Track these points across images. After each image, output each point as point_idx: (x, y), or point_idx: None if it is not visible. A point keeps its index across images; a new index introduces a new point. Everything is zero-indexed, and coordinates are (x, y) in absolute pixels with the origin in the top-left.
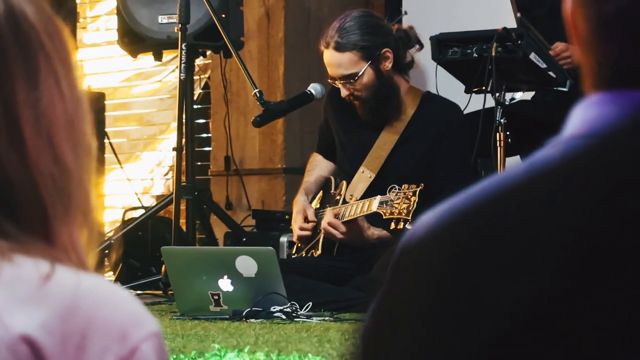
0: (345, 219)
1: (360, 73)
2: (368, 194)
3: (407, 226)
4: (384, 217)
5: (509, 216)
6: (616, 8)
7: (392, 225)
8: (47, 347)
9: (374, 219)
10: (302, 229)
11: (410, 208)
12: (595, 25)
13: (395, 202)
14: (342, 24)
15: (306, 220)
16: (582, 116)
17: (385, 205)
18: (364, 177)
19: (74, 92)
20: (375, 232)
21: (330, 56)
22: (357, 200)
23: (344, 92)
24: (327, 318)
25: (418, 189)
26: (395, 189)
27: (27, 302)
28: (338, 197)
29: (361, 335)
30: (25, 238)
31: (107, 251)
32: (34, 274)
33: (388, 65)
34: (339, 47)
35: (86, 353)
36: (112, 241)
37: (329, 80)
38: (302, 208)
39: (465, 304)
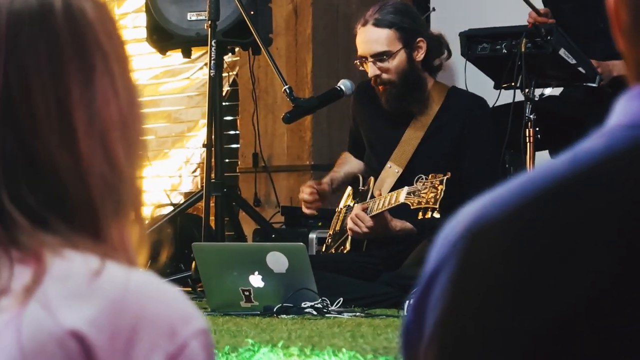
0: (373, 213)
1: (394, 52)
2: (396, 189)
3: (435, 215)
4: (412, 207)
5: (567, 205)
6: None
7: (420, 215)
8: (97, 343)
9: (403, 210)
10: (304, 192)
11: (438, 197)
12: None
13: (422, 191)
14: (382, 5)
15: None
16: (627, 108)
17: (413, 196)
18: (391, 172)
19: (129, 93)
20: (398, 223)
21: (367, 31)
22: (384, 195)
23: (372, 71)
24: (358, 314)
25: (445, 178)
26: (423, 179)
27: (77, 297)
28: (367, 194)
29: (434, 321)
30: (75, 235)
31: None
32: (84, 270)
33: (420, 55)
34: (378, 23)
35: (135, 349)
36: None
37: (357, 62)
38: (317, 181)
39: (533, 287)
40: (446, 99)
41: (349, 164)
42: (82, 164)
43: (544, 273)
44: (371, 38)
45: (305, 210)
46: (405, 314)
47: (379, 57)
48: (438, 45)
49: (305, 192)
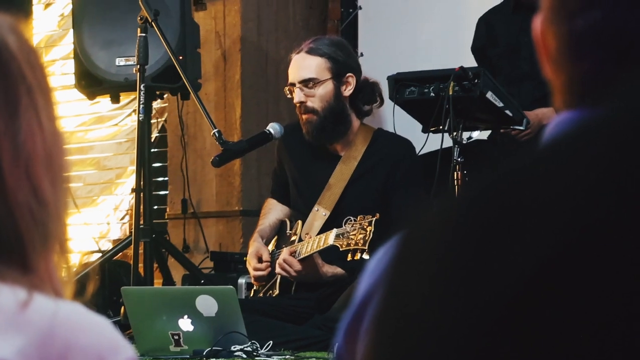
0: (302, 256)
1: (321, 80)
2: (324, 231)
3: (364, 256)
4: (340, 249)
5: (499, 198)
6: (586, 24)
7: (349, 257)
8: None
9: (331, 252)
10: (256, 269)
11: (367, 238)
12: (566, 41)
13: (351, 233)
14: (319, 37)
15: (260, 260)
16: (553, 134)
17: (341, 237)
18: (319, 215)
19: (54, 125)
20: (329, 269)
21: (299, 58)
22: (312, 237)
23: (298, 97)
24: (287, 357)
25: (374, 219)
26: (351, 220)
27: (5, 328)
28: (294, 237)
29: (374, 318)
30: (2, 267)
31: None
32: (12, 301)
33: (348, 91)
34: (311, 51)
35: None
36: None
37: (286, 88)
38: (256, 249)
39: (475, 267)
40: (372, 141)
41: (274, 210)
42: (9, 197)
43: (481, 260)
44: (302, 65)
45: (255, 282)
46: (335, 349)
47: (306, 83)
48: (370, 91)
49: (260, 269)
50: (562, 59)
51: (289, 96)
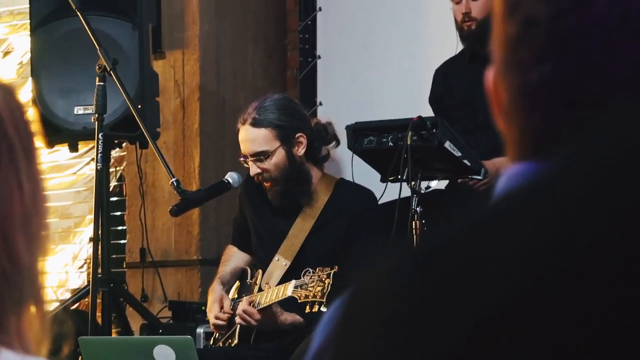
0: (261, 306)
1: (272, 151)
2: (284, 281)
3: (322, 309)
4: (299, 301)
5: (445, 255)
6: (538, 76)
7: (307, 309)
8: None
9: (290, 303)
10: (217, 318)
11: (325, 290)
12: (518, 94)
13: (310, 285)
14: (260, 103)
15: (222, 309)
16: (502, 189)
17: (300, 289)
18: (279, 265)
19: (34, 186)
20: (288, 317)
21: (245, 132)
22: (271, 288)
23: (253, 171)
24: None
25: (332, 271)
26: (310, 272)
27: None
28: (254, 286)
29: None
30: None
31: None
32: None
33: (301, 150)
34: (255, 123)
35: None
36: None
37: (241, 159)
38: (218, 297)
39: (417, 328)
40: (334, 192)
41: (234, 257)
42: None
43: (423, 322)
44: (249, 138)
45: (214, 330)
46: None
47: (258, 156)
48: (324, 134)
49: (221, 319)
50: (514, 111)
51: (245, 165)
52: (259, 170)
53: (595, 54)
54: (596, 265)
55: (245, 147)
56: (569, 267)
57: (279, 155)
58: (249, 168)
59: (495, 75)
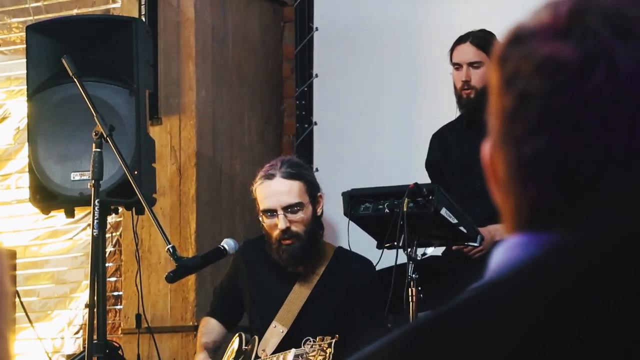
0: None
1: (305, 204)
2: (280, 348)
3: None
4: None
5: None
6: (533, 150)
7: None
8: None
9: None
10: None
11: None
12: (514, 167)
13: (310, 354)
14: (283, 160)
15: None
16: (500, 259)
17: (300, 359)
18: (276, 331)
19: None
20: None
21: (278, 184)
22: (270, 355)
23: (283, 224)
24: None
25: (333, 341)
26: (310, 341)
27: None
28: (251, 353)
29: None
30: None
31: None
32: None
33: (319, 210)
34: (289, 176)
35: None
36: None
37: (265, 215)
38: None
39: None
40: (333, 260)
41: (215, 332)
42: None
43: None
44: (283, 190)
45: None
46: None
47: (292, 208)
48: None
49: None
50: (510, 184)
51: (265, 223)
52: (288, 224)
53: (589, 128)
54: (597, 343)
55: (278, 199)
56: (569, 343)
57: (307, 211)
58: (263, 227)
59: (491, 147)
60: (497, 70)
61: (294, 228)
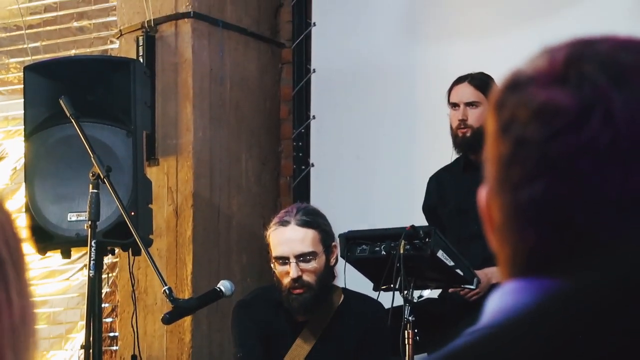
0: None
1: (318, 253)
2: None
3: None
4: None
5: None
6: (530, 196)
7: None
8: None
9: None
10: None
11: None
12: (510, 213)
13: None
14: (298, 207)
15: None
16: (496, 305)
17: None
18: None
19: (23, 300)
20: None
21: (292, 231)
22: None
23: (295, 272)
24: None
25: None
26: None
27: None
28: None
29: None
30: None
31: None
32: None
33: (333, 260)
34: (304, 224)
35: None
36: None
37: (277, 261)
38: None
39: None
40: (343, 302)
41: None
42: None
43: None
44: (298, 237)
45: None
46: None
47: (304, 257)
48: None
49: None
50: (506, 230)
51: (276, 270)
52: (300, 273)
53: (586, 174)
54: None
55: (291, 247)
56: None
57: (320, 260)
58: (274, 273)
59: (488, 193)
60: (494, 116)
61: (305, 277)
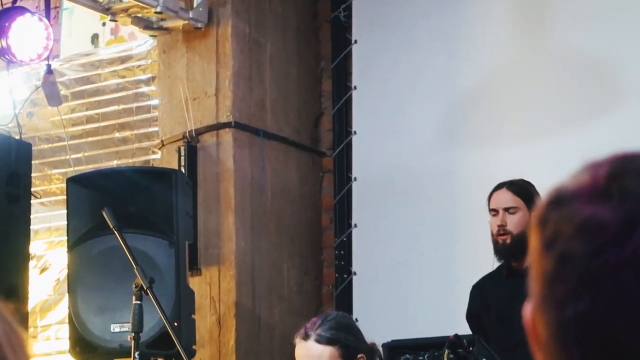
0: None
1: None
2: None
3: None
4: None
5: None
6: (574, 313)
7: None
8: None
9: None
10: None
11: None
12: (555, 330)
13: None
14: (324, 319)
15: None
16: None
17: None
18: None
19: None
20: None
21: (308, 349)
22: None
23: None
24: None
25: None
26: None
27: None
28: None
29: None
30: None
31: None
32: None
33: None
34: (321, 340)
35: None
36: None
37: None
38: None
39: None
40: None
41: None
42: None
43: None
44: (313, 354)
45: None
46: None
47: None
48: (371, 355)
49: None
50: (552, 346)
51: None
52: None
53: (629, 288)
54: None
55: None
56: None
57: None
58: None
59: (532, 309)
60: (538, 233)
61: None
